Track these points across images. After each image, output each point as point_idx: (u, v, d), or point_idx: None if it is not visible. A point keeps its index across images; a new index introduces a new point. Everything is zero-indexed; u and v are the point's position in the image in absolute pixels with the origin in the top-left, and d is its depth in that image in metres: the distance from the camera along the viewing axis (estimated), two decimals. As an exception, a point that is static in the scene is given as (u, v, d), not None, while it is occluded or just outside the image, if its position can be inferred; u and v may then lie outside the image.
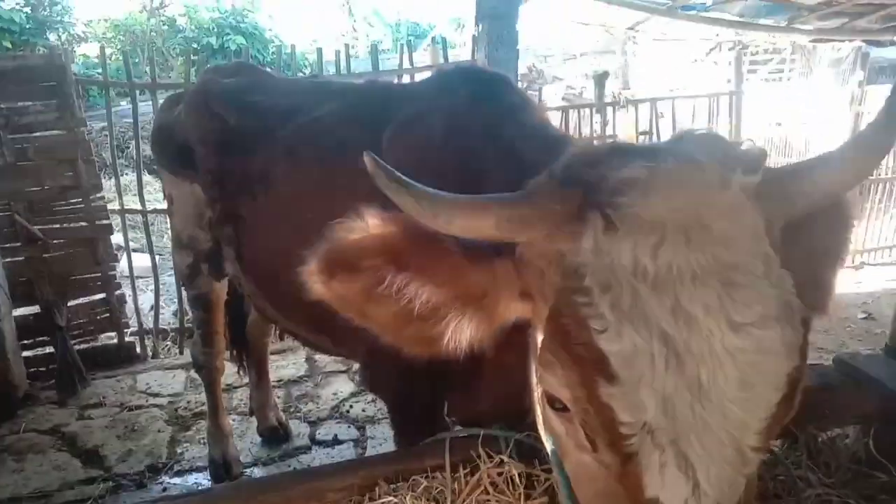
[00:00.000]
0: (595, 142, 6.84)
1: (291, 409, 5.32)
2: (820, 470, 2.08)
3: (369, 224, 1.27)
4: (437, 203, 1.22)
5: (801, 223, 1.29)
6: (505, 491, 1.77)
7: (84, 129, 5.60)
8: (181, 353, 6.44)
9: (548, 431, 1.39)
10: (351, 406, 5.32)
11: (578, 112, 7.19)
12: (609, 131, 7.46)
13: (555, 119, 9.31)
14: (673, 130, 7.81)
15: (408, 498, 1.72)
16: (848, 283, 7.70)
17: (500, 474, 1.79)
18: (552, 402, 1.24)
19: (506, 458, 1.80)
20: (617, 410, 1.06)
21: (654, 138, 7.68)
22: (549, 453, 1.39)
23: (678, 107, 7.99)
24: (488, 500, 1.75)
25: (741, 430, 1.05)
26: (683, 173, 1.15)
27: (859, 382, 2.22)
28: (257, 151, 3.07)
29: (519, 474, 1.78)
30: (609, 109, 7.38)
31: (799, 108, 11.12)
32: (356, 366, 5.23)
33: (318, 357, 6.10)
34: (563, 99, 13.24)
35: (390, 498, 1.71)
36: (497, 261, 1.33)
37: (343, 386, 5.66)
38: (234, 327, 4.64)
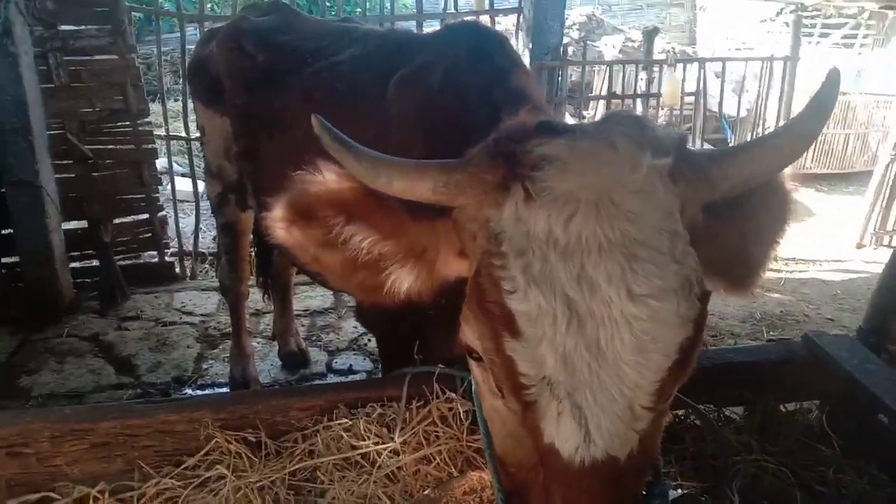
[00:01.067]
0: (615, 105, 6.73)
1: (313, 338, 5.58)
2: (767, 440, 2.18)
3: (326, 179, 1.40)
4: (378, 165, 1.34)
5: (735, 204, 1.38)
6: (452, 425, 1.93)
7: (134, 56, 5.81)
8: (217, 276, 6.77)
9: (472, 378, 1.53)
10: (369, 339, 5.55)
11: (624, 68, 7.06)
12: (654, 89, 7.32)
13: (602, 75, 9.18)
14: (721, 92, 7.64)
15: (361, 422, 1.89)
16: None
17: (449, 409, 1.95)
18: (470, 351, 1.37)
19: (456, 396, 1.95)
20: (519, 363, 1.18)
21: (701, 100, 7.52)
22: (473, 397, 1.52)
23: (731, 69, 7.77)
24: (436, 432, 1.91)
25: (633, 390, 1.16)
26: (598, 153, 1.24)
27: (822, 361, 2.29)
28: (279, 91, 3.21)
29: (465, 411, 1.94)
30: (656, 67, 7.23)
31: (866, 77, 10.66)
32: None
33: (344, 291, 6.34)
34: (619, 52, 12.92)
35: (345, 420, 1.89)
36: (438, 220, 1.44)
37: (364, 320, 5.88)
38: (261, 257, 4.89)
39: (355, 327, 5.77)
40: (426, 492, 1.63)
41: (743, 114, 8.80)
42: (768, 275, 7.41)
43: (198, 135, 6.85)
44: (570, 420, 1.16)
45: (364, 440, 1.87)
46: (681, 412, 2.20)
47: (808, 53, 8.92)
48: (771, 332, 5.89)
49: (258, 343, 5.37)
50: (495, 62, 2.33)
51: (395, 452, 1.86)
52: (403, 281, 1.46)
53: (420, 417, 1.93)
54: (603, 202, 1.18)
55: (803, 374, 2.32)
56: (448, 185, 1.32)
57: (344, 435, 1.88)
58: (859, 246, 8.51)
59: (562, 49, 6.05)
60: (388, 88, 2.65)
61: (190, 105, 6.47)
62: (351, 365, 5.17)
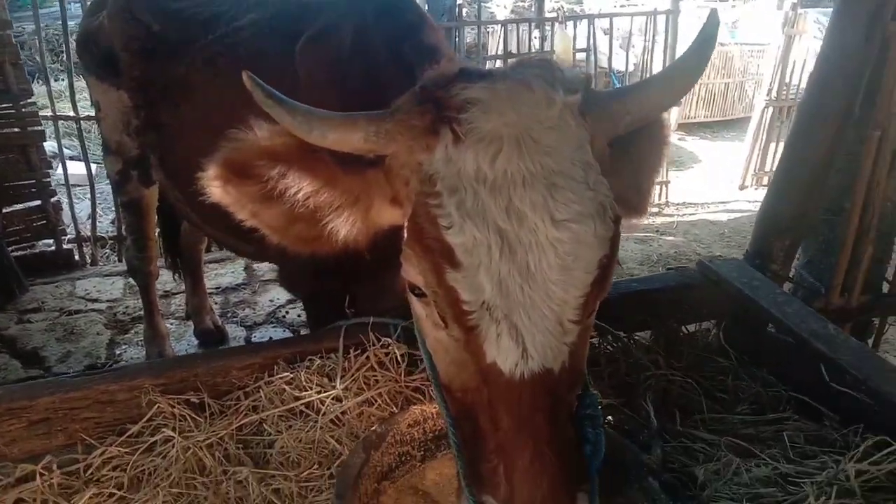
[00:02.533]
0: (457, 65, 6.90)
1: (229, 315, 5.52)
2: (673, 357, 2.40)
3: (259, 135, 1.45)
4: (310, 119, 1.40)
5: (629, 140, 1.53)
6: (390, 368, 2.03)
7: (10, 32, 5.45)
8: (120, 260, 6.53)
9: (413, 315, 1.62)
10: (287, 312, 5.56)
11: (518, 27, 7.22)
12: (548, 47, 7.53)
13: (497, 34, 9.35)
14: (610, 47, 7.97)
15: (302, 374, 1.96)
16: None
17: (386, 354, 2.04)
18: (412, 288, 1.47)
19: (391, 341, 2.05)
20: (460, 291, 1.29)
21: (592, 55, 7.81)
22: (416, 333, 1.62)
23: (617, 24, 8.09)
24: (375, 377, 2.01)
25: (561, 306, 1.29)
26: (516, 93, 1.35)
27: (715, 283, 2.53)
28: (180, 59, 3.14)
29: (402, 355, 2.04)
30: (548, 25, 7.43)
31: (741, 28, 11.32)
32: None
33: (257, 266, 6.28)
34: (511, 12, 13.12)
35: (286, 374, 1.96)
36: (368, 170, 1.52)
37: (280, 293, 5.86)
38: (168, 234, 4.78)
39: (271, 301, 5.76)
40: (373, 428, 1.73)
41: (630, 68, 9.20)
42: (662, 220, 7.90)
43: (87, 114, 6.60)
44: (508, 339, 1.28)
45: (306, 391, 1.94)
46: (595, 339, 2.38)
47: (687, 7, 9.37)
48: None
49: (172, 324, 5.27)
50: (404, 18, 2.39)
51: (338, 399, 1.94)
52: (340, 229, 1.54)
53: (358, 364, 2.02)
54: (524, 139, 1.30)
55: (700, 296, 2.55)
56: (379, 133, 1.39)
57: (286, 388, 1.95)
58: (742, 187, 9.15)
59: (457, 10, 6.13)
60: (293, 51, 2.66)
61: (77, 83, 6.19)
62: (271, 338, 5.14)
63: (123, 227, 4.66)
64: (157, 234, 4.48)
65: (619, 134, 1.49)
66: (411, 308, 1.62)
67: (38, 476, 1.74)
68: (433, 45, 2.29)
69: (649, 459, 1.72)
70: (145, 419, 1.89)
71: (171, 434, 1.83)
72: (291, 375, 1.96)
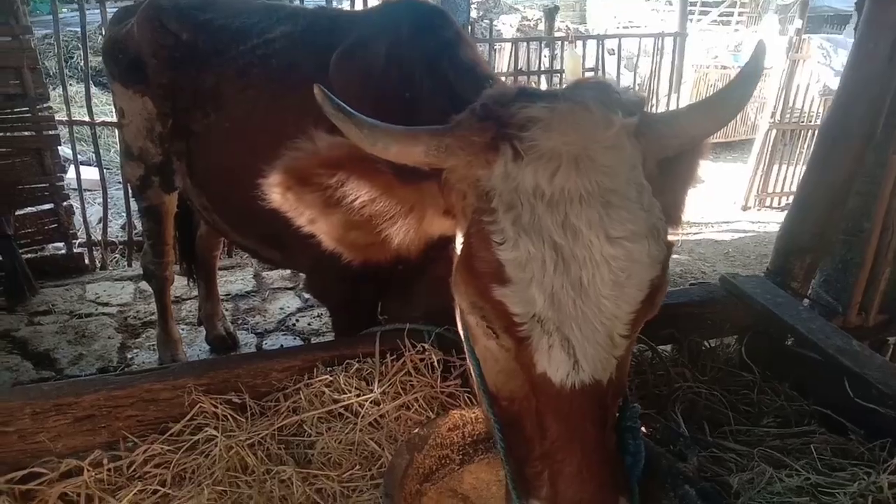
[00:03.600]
0: (519, 81, 7.02)
1: (239, 322, 5.55)
2: (697, 370, 2.45)
3: (319, 146, 1.52)
4: (375, 132, 1.45)
5: (673, 159, 1.59)
6: (425, 374, 2.07)
7: (30, 37, 5.52)
8: (129, 265, 6.57)
9: (462, 324, 1.67)
10: (297, 320, 5.59)
11: (528, 45, 7.32)
12: (557, 65, 7.63)
13: (505, 51, 9.46)
14: (618, 68, 8.08)
15: (341, 377, 2.00)
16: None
17: (421, 360, 2.08)
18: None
19: (427, 347, 2.09)
20: (509, 306, 1.33)
21: (601, 75, 7.91)
22: (464, 341, 1.66)
23: (625, 45, 8.21)
24: (410, 381, 2.05)
25: (612, 321, 1.33)
26: (576, 114, 1.41)
27: (738, 298, 2.58)
28: (210, 69, 3.20)
29: (437, 360, 2.08)
30: (558, 44, 7.54)
31: (743, 52, 11.45)
32: (303, 284, 5.50)
33: (266, 274, 6.32)
34: (517, 31, 13.26)
35: (326, 377, 1.99)
36: (424, 182, 1.58)
37: (290, 301, 5.91)
38: (184, 240, 4.81)
39: (281, 309, 5.79)
40: (415, 431, 1.76)
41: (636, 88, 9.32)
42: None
43: (101, 119, 6.65)
44: (559, 351, 1.32)
45: (345, 393, 1.98)
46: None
47: (691, 28, 9.51)
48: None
49: (183, 329, 5.28)
50: (440, 35, 2.45)
51: (376, 402, 1.97)
52: (393, 238, 1.59)
53: (395, 369, 2.05)
54: (581, 158, 1.35)
55: (723, 311, 2.60)
56: (440, 148, 1.45)
57: (326, 390, 1.98)
58: (745, 208, 9.24)
59: (470, 28, 6.23)
60: (327, 63, 2.72)
61: (93, 89, 6.26)
62: (282, 345, 5.18)
63: (142, 232, 4.68)
64: (173, 239, 4.52)
65: (669, 155, 1.55)
66: (460, 316, 1.66)
67: (84, 471, 1.77)
68: (471, 61, 2.34)
69: (685, 468, 1.76)
70: (187, 418, 1.92)
71: (214, 433, 1.86)
72: (330, 378, 2.00)
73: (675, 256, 7.49)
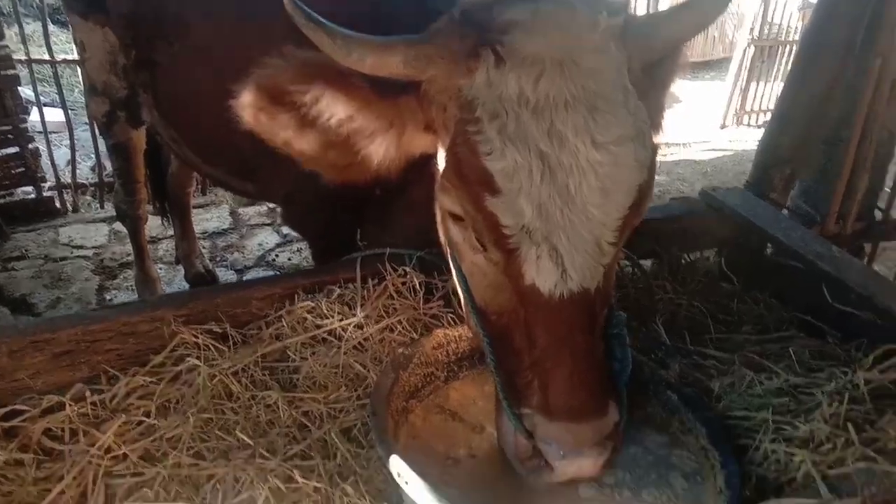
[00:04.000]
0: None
1: (217, 259, 5.50)
2: (677, 283, 2.46)
3: (290, 61, 1.44)
4: (349, 42, 1.38)
5: (657, 63, 1.55)
6: (408, 297, 2.06)
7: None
8: (102, 206, 6.44)
9: (447, 242, 1.64)
10: (276, 255, 5.55)
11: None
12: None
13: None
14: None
15: (323, 303, 1.98)
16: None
17: (403, 283, 2.07)
18: (450, 215, 1.49)
19: (409, 270, 2.07)
20: (500, 216, 1.31)
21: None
22: (449, 259, 1.64)
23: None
24: (393, 304, 2.04)
25: (600, 229, 1.32)
26: (559, 15, 1.35)
27: (719, 211, 2.57)
28: (169, -5, 3.05)
29: (420, 283, 2.07)
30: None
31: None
32: (279, 216, 5.42)
33: (242, 210, 6.24)
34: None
35: (307, 303, 1.97)
36: (402, 96, 1.52)
37: (268, 237, 5.85)
38: (155, 178, 4.70)
39: (259, 245, 5.74)
40: (400, 350, 1.76)
41: None
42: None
43: (63, 57, 6.39)
44: (548, 261, 1.31)
45: (328, 318, 1.96)
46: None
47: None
48: (654, 210, 6.39)
49: (160, 269, 5.22)
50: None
51: (359, 327, 1.96)
52: (373, 157, 1.55)
53: (377, 293, 2.04)
54: (566, 62, 1.31)
55: (703, 224, 2.60)
56: (418, 57, 1.39)
57: (308, 316, 1.96)
58: (723, 126, 9.22)
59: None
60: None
61: (51, 27, 5.98)
62: (263, 280, 5.15)
63: (112, 172, 4.56)
64: (145, 177, 4.41)
65: (653, 59, 1.51)
66: (445, 233, 1.64)
67: (67, 406, 1.75)
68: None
69: (667, 375, 1.79)
70: (168, 349, 1.90)
71: (197, 363, 1.84)
72: (312, 304, 1.98)
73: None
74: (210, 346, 1.91)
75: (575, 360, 1.34)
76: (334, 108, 1.47)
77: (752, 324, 2.26)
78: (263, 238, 5.82)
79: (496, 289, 1.46)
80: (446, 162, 1.43)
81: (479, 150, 1.30)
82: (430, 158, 1.64)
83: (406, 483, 1.33)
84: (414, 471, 1.34)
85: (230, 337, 1.95)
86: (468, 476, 1.60)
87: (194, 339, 1.90)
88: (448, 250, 1.65)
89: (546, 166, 1.27)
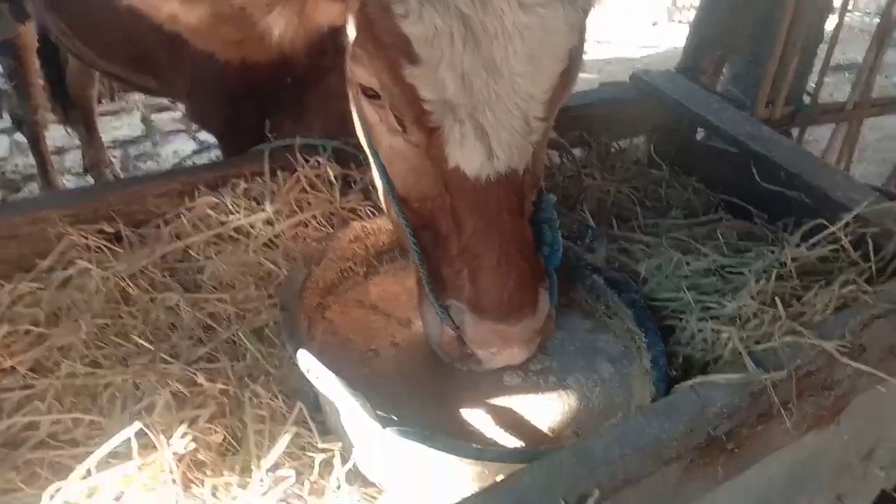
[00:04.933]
0: None
1: (130, 169, 5.16)
2: (606, 171, 2.39)
3: None
4: None
5: None
6: (323, 190, 1.91)
7: None
8: (0, 116, 5.93)
9: (362, 124, 1.49)
10: (194, 162, 5.25)
11: None
12: None
13: None
14: None
15: (228, 199, 1.82)
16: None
17: (317, 176, 1.92)
18: (365, 91, 1.33)
19: (322, 161, 1.92)
20: (420, 89, 1.18)
21: None
22: (366, 146, 1.49)
23: None
24: (307, 198, 1.89)
25: (528, 102, 1.21)
26: None
27: (650, 94, 2.48)
28: None
29: (336, 175, 1.92)
30: None
31: None
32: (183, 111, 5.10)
33: (155, 117, 5.85)
34: None
35: (210, 198, 1.81)
36: None
37: (184, 145, 5.52)
38: (53, 80, 4.31)
39: (175, 152, 5.43)
40: (313, 244, 1.64)
41: None
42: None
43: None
44: (473, 140, 1.20)
45: (233, 214, 1.81)
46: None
47: None
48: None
49: (68, 181, 4.88)
50: None
51: (269, 223, 1.82)
52: (273, 28, 1.37)
53: (288, 187, 1.88)
54: None
55: (634, 110, 2.51)
56: None
57: (211, 213, 1.80)
58: (654, 24, 9.08)
59: None
60: None
61: None
62: (180, 190, 4.89)
63: (2, 75, 4.17)
64: (40, 80, 4.04)
65: None
66: (359, 116, 1.49)
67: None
68: None
69: (593, 259, 1.72)
70: (56, 253, 1.71)
71: (88, 265, 1.67)
72: (216, 200, 1.81)
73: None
74: (103, 247, 1.73)
75: (503, 244, 1.27)
76: None
77: (681, 208, 2.22)
78: (179, 146, 5.49)
79: (418, 174, 1.34)
80: (357, 27, 1.28)
81: (392, 10, 1.15)
82: (341, 32, 1.47)
83: (317, 378, 1.24)
84: (331, 366, 1.25)
85: (125, 237, 1.77)
86: (390, 364, 1.53)
87: (84, 241, 1.71)
88: (363, 134, 1.51)
89: (469, 31, 1.14)
